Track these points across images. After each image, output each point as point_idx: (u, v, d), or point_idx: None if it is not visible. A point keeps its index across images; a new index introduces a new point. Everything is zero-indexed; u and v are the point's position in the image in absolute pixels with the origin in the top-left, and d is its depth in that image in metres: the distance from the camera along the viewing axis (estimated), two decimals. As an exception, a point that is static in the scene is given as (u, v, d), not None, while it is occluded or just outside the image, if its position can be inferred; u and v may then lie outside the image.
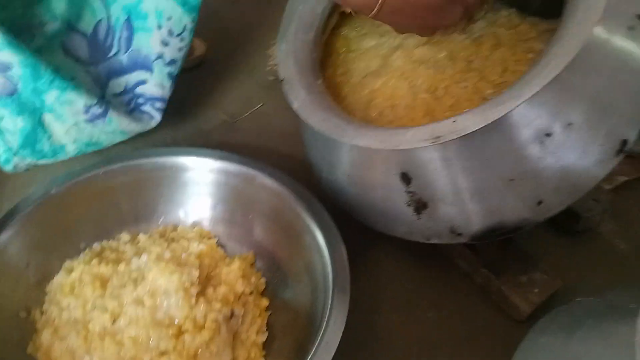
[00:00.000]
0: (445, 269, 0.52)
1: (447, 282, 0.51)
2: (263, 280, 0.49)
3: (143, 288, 0.43)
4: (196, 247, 0.48)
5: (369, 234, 0.46)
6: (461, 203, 0.41)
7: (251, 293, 0.47)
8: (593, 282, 0.50)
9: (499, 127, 0.37)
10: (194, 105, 0.71)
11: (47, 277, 0.48)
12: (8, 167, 0.57)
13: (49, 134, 0.56)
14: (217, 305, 0.43)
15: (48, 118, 0.55)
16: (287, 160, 0.56)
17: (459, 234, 0.42)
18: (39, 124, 0.55)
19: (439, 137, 0.36)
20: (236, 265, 0.47)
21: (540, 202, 0.39)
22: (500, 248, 0.49)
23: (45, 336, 0.44)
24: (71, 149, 0.58)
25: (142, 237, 0.51)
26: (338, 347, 0.38)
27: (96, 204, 0.51)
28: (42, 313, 0.46)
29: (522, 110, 0.37)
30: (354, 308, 0.41)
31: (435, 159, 0.40)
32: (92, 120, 0.56)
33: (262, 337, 0.45)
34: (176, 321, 0.42)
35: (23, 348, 0.44)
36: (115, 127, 0.58)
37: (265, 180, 0.50)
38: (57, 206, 0.49)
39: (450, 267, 0.51)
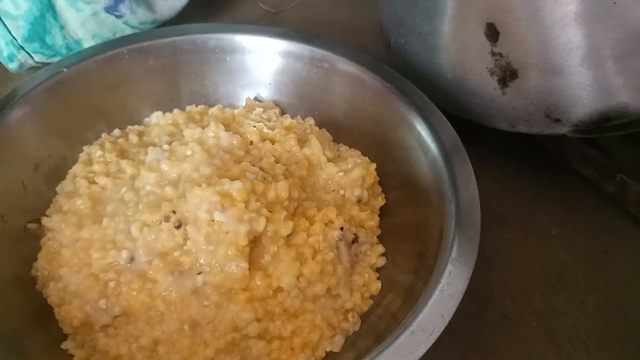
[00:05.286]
0: (562, 178, 0.42)
1: (566, 193, 0.41)
2: (382, 195, 0.37)
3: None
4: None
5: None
6: (566, 69, 0.31)
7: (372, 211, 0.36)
8: None
9: None
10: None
11: (59, 175, 0.36)
12: (13, 66, 0.46)
13: (61, 23, 0.45)
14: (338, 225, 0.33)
15: (60, 2, 0.44)
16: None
17: (557, 120, 0.33)
18: (48, 8, 0.44)
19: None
20: (358, 174, 0.35)
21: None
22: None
23: (44, 259, 0.32)
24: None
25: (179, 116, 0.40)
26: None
27: (120, 90, 0.39)
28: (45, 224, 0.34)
29: None
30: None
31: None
32: (111, 8, 0.45)
33: (381, 262, 0.34)
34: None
35: (29, 270, 0.32)
36: (141, 17, 0.47)
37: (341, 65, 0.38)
38: (71, 88, 0.37)
39: (569, 175, 0.41)
